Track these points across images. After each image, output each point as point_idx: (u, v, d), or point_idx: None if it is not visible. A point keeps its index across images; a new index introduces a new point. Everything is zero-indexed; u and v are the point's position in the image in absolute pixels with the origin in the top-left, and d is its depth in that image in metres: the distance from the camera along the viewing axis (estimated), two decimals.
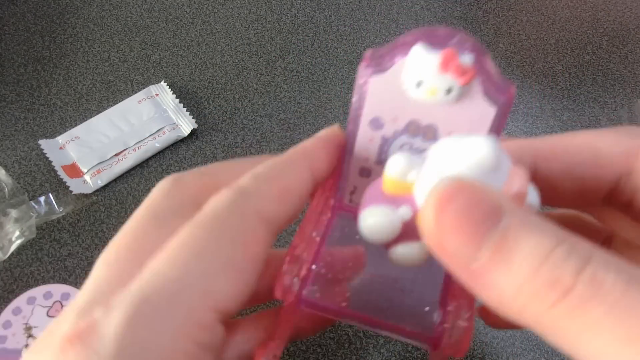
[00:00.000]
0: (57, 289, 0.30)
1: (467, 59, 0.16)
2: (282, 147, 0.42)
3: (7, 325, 0.29)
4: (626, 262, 0.12)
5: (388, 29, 0.50)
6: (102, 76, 0.44)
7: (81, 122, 0.41)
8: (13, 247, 0.35)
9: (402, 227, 0.16)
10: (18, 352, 0.28)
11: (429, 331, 0.17)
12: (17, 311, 0.30)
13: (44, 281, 0.34)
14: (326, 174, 0.18)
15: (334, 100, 0.45)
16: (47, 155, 0.38)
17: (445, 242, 0.12)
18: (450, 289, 0.18)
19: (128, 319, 0.13)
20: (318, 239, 0.19)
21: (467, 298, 0.17)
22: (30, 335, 0.29)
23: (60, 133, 0.40)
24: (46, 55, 0.44)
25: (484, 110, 0.17)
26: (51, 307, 0.30)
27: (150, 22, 0.48)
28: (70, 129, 0.40)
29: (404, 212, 0.15)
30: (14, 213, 0.35)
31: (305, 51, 0.48)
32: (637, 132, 0.18)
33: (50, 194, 0.37)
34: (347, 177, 0.20)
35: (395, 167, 0.15)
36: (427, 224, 0.13)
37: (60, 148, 0.39)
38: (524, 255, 0.12)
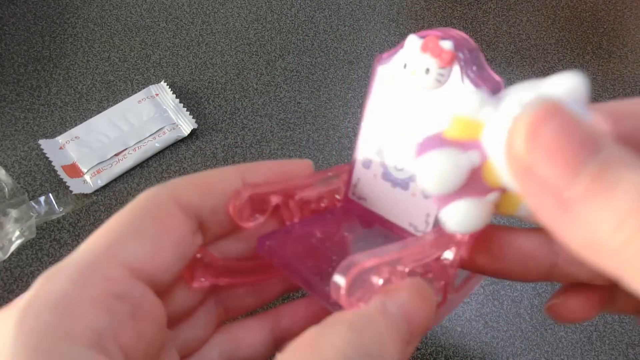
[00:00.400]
0: None
1: (447, 44, 0.17)
2: (282, 147, 0.42)
3: None
4: None
5: (388, 29, 0.50)
6: (102, 76, 0.44)
7: (81, 122, 0.41)
8: (13, 247, 0.35)
9: (466, 177, 0.14)
10: None
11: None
12: None
13: None
14: (267, 184, 0.19)
15: (334, 100, 0.45)
16: (47, 155, 0.38)
17: (537, 166, 0.11)
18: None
19: (41, 281, 0.15)
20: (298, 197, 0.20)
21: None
22: None
23: (60, 133, 0.40)
24: (46, 55, 0.44)
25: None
26: None
27: (150, 22, 0.48)
28: (70, 129, 0.40)
29: (473, 156, 0.14)
30: (14, 213, 0.35)
31: (305, 51, 0.48)
32: None
33: (50, 194, 0.37)
34: (354, 168, 0.21)
35: (468, 103, 0.14)
36: (516, 146, 0.11)
37: (60, 148, 0.39)
38: (628, 187, 0.10)
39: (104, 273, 0.15)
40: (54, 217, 0.36)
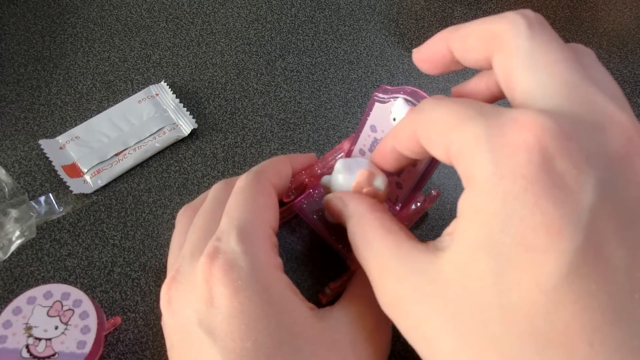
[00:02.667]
0: (57, 289, 0.30)
1: None
2: (282, 147, 0.42)
3: (7, 325, 0.29)
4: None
5: (388, 29, 0.50)
6: (102, 76, 0.44)
7: (81, 122, 0.41)
8: (13, 247, 0.35)
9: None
10: (18, 352, 0.28)
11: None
12: (17, 311, 0.30)
13: (44, 281, 0.34)
14: (299, 169, 0.33)
15: (334, 100, 0.45)
16: (47, 155, 0.38)
17: (332, 209, 0.29)
18: None
19: (241, 237, 0.25)
20: (319, 172, 0.35)
21: None
22: (30, 335, 0.29)
23: (60, 133, 0.40)
24: (46, 55, 0.44)
25: None
26: (51, 307, 0.30)
27: (150, 22, 0.48)
28: (70, 129, 0.40)
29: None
30: (14, 213, 0.35)
31: (305, 51, 0.48)
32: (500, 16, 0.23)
33: (50, 194, 0.37)
34: (353, 150, 0.34)
35: (323, 181, 0.32)
36: (325, 201, 0.30)
37: (60, 148, 0.39)
38: (350, 210, 0.27)
39: (265, 229, 0.27)
40: (54, 217, 0.36)
